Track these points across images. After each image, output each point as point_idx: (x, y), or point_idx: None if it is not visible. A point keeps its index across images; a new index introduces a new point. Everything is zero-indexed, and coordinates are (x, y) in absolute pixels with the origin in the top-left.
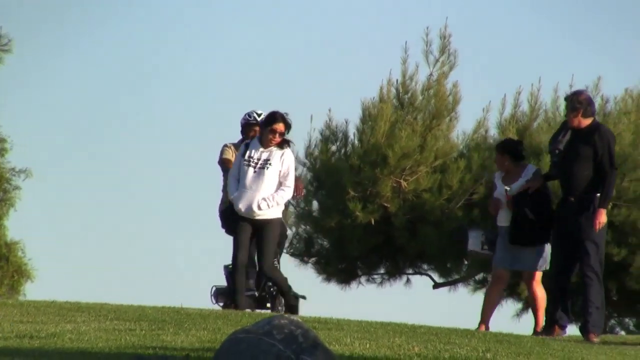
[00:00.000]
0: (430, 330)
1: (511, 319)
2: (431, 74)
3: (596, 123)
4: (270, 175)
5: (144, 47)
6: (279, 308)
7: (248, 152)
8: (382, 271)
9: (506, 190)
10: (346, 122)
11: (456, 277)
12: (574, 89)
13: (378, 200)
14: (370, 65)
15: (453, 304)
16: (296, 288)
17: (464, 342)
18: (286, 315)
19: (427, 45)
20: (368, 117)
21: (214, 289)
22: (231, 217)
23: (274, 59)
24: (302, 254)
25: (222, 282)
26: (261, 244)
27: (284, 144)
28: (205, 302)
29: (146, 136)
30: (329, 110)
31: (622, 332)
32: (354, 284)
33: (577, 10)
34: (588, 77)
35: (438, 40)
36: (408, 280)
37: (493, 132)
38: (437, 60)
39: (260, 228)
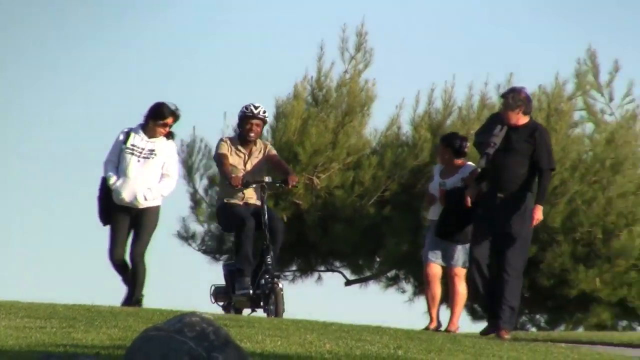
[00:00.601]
0: (342, 327)
1: (423, 315)
2: (346, 71)
3: (534, 122)
4: (155, 166)
5: (44, 36)
6: (271, 307)
7: (131, 140)
8: (294, 268)
9: (440, 184)
10: None
11: (368, 274)
12: (489, 85)
13: (290, 197)
14: (287, 62)
15: (365, 301)
16: (209, 284)
17: (375, 339)
18: (197, 313)
19: (343, 43)
20: (281, 115)
21: (213, 288)
22: (108, 207)
23: (189, 55)
24: (214, 251)
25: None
26: (139, 230)
27: (169, 135)
28: (116, 300)
29: (44, 133)
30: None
31: (533, 329)
32: None
33: (489, 6)
34: (501, 73)
35: (354, 37)
36: (320, 277)
37: (406, 130)
38: (352, 58)
39: (138, 215)
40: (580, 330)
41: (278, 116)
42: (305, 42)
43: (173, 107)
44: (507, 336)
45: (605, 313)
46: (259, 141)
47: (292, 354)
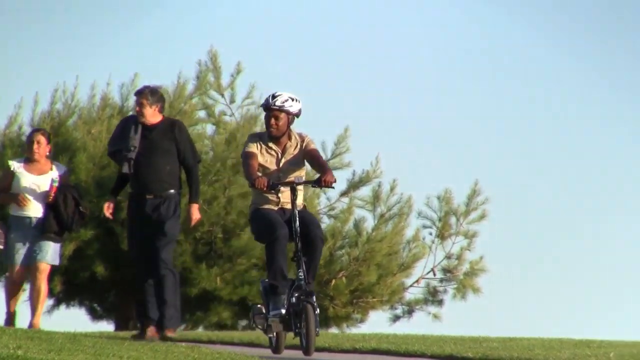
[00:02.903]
0: None
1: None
2: None
3: (170, 118)
4: None
5: None
6: (303, 330)
7: None
8: None
9: (53, 181)
10: None
11: None
12: (112, 86)
13: None
14: None
15: None
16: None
17: None
18: None
19: None
20: None
21: (253, 308)
22: None
23: None
24: None
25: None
26: None
27: None
28: None
29: None
30: None
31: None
32: None
33: (119, 4)
34: (125, 73)
35: None
36: None
37: (27, 129)
38: None
39: None
40: (201, 329)
41: None
42: None
43: None
44: (173, 334)
45: (225, 312)
46: (294, 135)
47: None
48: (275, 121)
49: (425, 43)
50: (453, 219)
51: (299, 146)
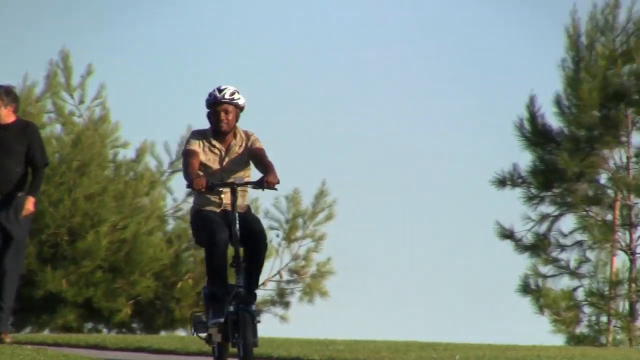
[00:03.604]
0: None
1: None
2: None
3: (23, 120)
4: None
5: None
6: (241, 341)
7: None
8: None
9: None
10: None
11: None
12: None
13: None
14: None
15: None
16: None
17: None
18: None
19: None
20: None
21: (194, 316)
22: None
23: None
24: None
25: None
26: None
27: None
28: None
29: None
30: None
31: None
32: None
33: None
34: None
35: None
36: None
37: None
38: None
39: None
40: (47, 332)
41: None
42: None
43: None
44: (8, 339)
45: (71, 314)
46: (240, 133)
47: None
48: (225, 115)
49: (271, 39)
50: (301, 220)
51: (244, 145)
